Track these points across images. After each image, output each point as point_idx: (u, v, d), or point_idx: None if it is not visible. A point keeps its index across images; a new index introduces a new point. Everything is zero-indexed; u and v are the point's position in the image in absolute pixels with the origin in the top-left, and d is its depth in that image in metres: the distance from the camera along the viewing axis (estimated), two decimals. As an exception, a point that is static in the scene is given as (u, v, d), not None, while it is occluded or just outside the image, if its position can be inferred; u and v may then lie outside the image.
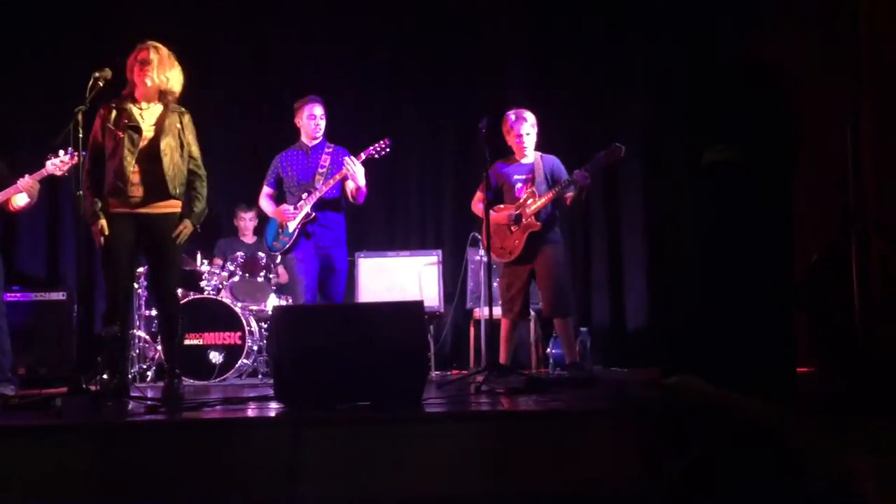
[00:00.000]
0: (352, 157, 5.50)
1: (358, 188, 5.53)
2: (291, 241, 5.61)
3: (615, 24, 7.57)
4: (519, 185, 5.74)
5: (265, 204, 5.82)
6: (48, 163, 5.07)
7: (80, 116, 4.38)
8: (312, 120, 5.66)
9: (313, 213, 5.57)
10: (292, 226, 5.58)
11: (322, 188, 5.54)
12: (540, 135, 5.83)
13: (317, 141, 5.72)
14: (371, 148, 5.57)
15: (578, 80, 7.73)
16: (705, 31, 6.88)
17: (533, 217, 5.58)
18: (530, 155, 5.78)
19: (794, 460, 2.95)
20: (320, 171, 5.61)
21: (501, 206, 5.75)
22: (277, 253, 5.97)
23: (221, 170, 7.73)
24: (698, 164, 4.18)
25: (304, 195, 5.57)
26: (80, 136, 4.40)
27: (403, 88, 7.91)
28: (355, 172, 5.46)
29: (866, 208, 5.14)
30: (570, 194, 5.59)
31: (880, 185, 5.26)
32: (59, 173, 5.04)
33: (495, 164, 5.78)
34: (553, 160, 5.82)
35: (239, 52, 7.71)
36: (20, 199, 5.20)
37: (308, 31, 7.71)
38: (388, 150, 5.61)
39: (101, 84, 4.49)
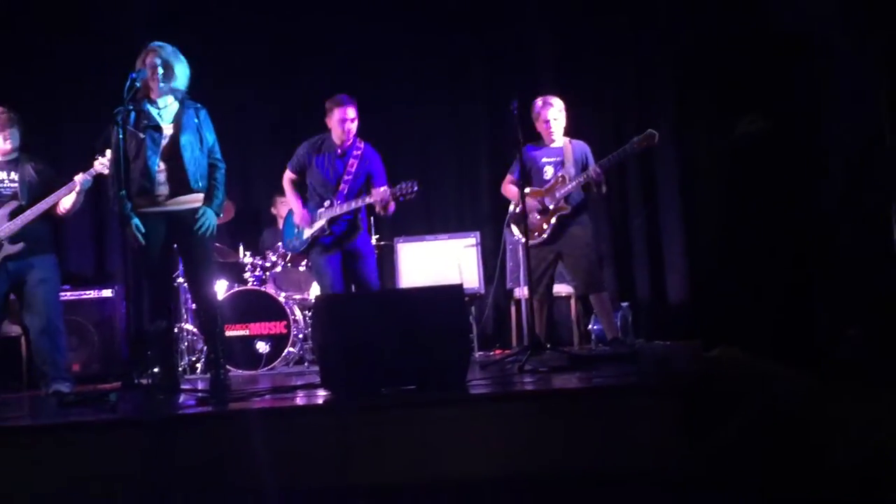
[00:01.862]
0: (383, 192, 5.38)
1: (387, 208, 5.45)
2: (305, 248, 5.61)
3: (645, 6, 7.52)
4: (548, 168, 5.73)
5: (287, 189, 5.75)
6: (96, 163, 5.13)
7: (119, 118, 4.45)
8: (343, 124, 5.49)
9: (328, 229, 5.49)
10: (306, 233, 5.56)
11: (343, 206, 5.44)
12: (570, 119, 5.81)
13: (348, 142, 5.60)
14: (399, 188, 5.40)
15: (610, 63, 7.69)
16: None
17: (563, 201, 5.57)
18: (559, 139, 5.76)
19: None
20: (346, 178, 5.50)
21: (530, 189, 5.73)
22: (290, 252, 5.92)
23: (258, 161, 7.84)
24: (730, 136, 4.14)
25: (326, 203, 5.50)
26: (121, 136, 4.47)
27: (436, 75, 7.90)
28: (388, 205, 5.39)
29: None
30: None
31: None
32: (106, 172, 5.11)
33: (525, 147, 5.76)
34: (583, 146, 5.79)
35: (273, 41, 7.74)
36: (67, 202, 5.27)
37: (341, 20, 7.70)
38: (414, 192, 5.42)
39: (139, 84, 4.55)
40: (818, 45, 4.45)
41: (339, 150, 5.57)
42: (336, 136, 5.56)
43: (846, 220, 5.25)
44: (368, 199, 5.42)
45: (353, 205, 5.44)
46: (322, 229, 5.49)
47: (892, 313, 4.86)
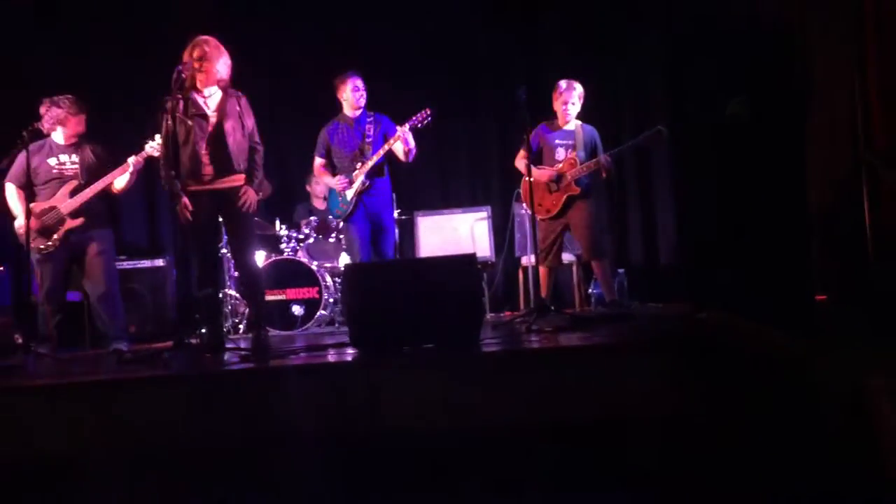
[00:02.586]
0: (400, 126, 5.48)
1: (409, 150, 5.53)
2: (350, 208, 5.63)
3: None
4: (559, 149, 5.70)
5: (322, 174, 5.81)
6: (147, 146, 5.15)
7: (168, 105, 4.46)
8: (356, 92, 5.62)
9: (367, 181, 5.56)
10: (350, 194, 5.59)
11: (373, 157, 5.52)
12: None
13: (359, 112, 5.68)
14: (415, 118, 5.52)
15: (610, 53, 7.66)
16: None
17: (573, 182, 5.56)
18: (572, 123, 5.72)
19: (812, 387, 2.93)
20: (367, 140, 5.58)
21: (541, 166, 5.71)
22: (340, 220, 5.97)
23: (292, 142, 7.83)
24: (721, 115, 4.11)
25: (358, 165, 5.56)
26: (169, 122, 4.48)
27: (450, 66, 7.85)
28: (407, 136, 5.46)
29: (875, 146, 5.01)
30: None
31: (888, 123, 5.12)
32: (156, 154, 5.13)
33: (539, 126, 5.75)
34: (592, 131, 5.76)
35: (306, 30, 7.70)
36: (121, 181, 5.29)
37: (365, 14, 7.66)
38: (429, 119, 5.53)
39: (185, 75, 4.55)
40: (802, 40, 4.41)
41: (353, 120, 5.66)
42: (349, 106, 5.67)
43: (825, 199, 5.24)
44: (392, 142, 5.48)
45: (380, 153, 5.50)
46: (363, 182, 5.55)
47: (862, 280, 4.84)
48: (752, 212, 3.93)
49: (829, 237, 5.28)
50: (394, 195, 5.86)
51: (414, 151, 5.59)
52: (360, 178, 5.54)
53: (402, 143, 5.48)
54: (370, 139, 5.58)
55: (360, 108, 5.67)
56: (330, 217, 6.68)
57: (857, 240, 4.92)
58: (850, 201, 5.03)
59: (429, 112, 5.48)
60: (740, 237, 4.02)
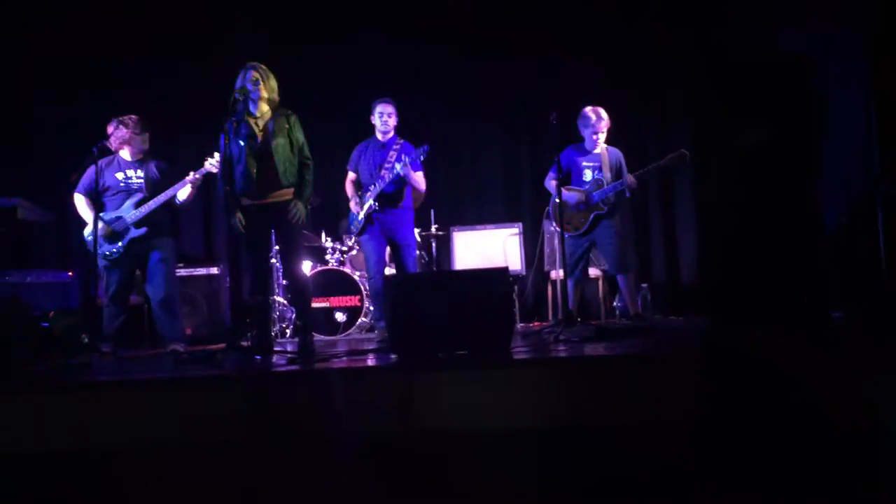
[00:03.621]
0: (403, 161, 5.36)
1: (414, 182, 5.49)
2: (361, 227, 5.57)
3: (672, 26, 7.45)
4: (587, 171, 5.68)
5: (348, 188, 5.75)
6: (206, 162, 5.21)
7: (225, 126, 4.53)
8: (382, 117, 5.58)
9: (376, 205, 5.48)
10: (361, 215, 5.55)
11: (380, 185, 5.44)
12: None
13: (389, 136, 5.63)
14: (414, 153, 5.36)
15: (635, 83, 7.65)
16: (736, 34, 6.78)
17: (601, 202, 5.54)
18: (600, 147, 5.70)
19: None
20: (386, 165, 5.51)
21: (569, 186, 5.70)
22: (353, 235, 5.91)
23: (337, 159, 7.86)
24: (740, 142, 4.07)
25: (371, 187, 5.51)
26: (227, 142, 4.55)
27: (487, 94, 7.89)
28: (406, 172, 5.38)
29: (889, 173, 4.93)
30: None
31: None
32: (214, 170, 5.19)
33: (567, 149, 5.73)
34: (617, 153, 5.74)
35: (360, 51, 7.75)
36: (183, 194, 5.36)
37: (404, 40, 7.71)
38: (426, 153, 5.34)
39: (241, 99, 4.62)
40: (817, 68, 4.35)
41: (380, 145, 5.62)
42: (378, 130, 5.63)
43: (839, 219, 5.16)
44: (397, 169, 5.39)
45: (388, 178, 5.41)
46: (371, 206, 5.50)
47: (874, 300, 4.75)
48: (768, 231, 3.88)
49: (844, 256, 5.20)
50: (413, 214, 5.74)
51: (419, 183, 5.54)
52: (368, 202, 5.50)
53: (405, 177, 5.43)
54: (389, 165, 5.51)
55: (387, 132, 5.62)
56: (348, 231, 6.66)
57: (871, 259, 4.84)
58: (865, 225, 4.95)
59: (426, 149, 5.32)
60: (758, 254, 3.97)
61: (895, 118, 5.01)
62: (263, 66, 4.76)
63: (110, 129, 5.40)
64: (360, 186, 5.69)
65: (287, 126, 4.77)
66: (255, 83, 4.68)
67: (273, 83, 4.77)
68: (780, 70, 4.12)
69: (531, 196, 7.76)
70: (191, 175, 5.30)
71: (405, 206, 5.60)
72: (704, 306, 5.94)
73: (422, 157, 5.37)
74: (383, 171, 5.50)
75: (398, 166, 5.37)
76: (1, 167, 7.22)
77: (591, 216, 5.57)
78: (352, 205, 5.64)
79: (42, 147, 7.56)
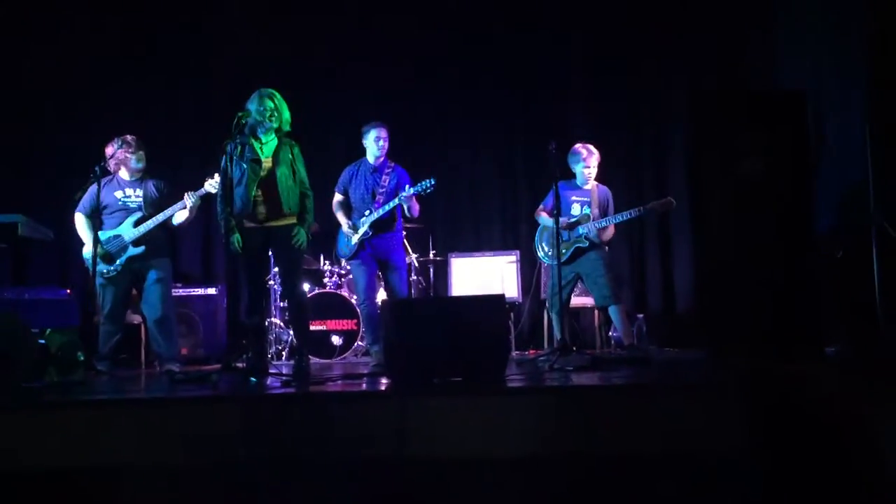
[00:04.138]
0: (408, 193, 5.33)
1: (411, 208, 5.41)
2: (353, 252, 5.50)
3: (668, 58, 7.55)
4: (575, 205, 5.71)
5: (336, 210, 5.66)
6: (206, 183, 5.22)
7: (227, 148, 4.56)
8: (377, 141, 5.50)
9: (370, 232, 5.43)
10: (354, 240, 5.47)
11: (378, 210, 5.39)
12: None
13: (380, 160, 5.56)
14: (420, 185, 5.35)
15: (632, 114, 7.73)
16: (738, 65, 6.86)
17: (583, 236, 5.57)
18: (591, 183, 5.74)
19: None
20: (380, 190, 5.47)
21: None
22: (344, 259, 5.86)
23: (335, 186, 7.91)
24: (736, 171, 4.12)
25: (366, 212, 5.45)
26: (229, 163, 4.58)
27: (486, 124, 7.95)
28: (410, 201, 5.36)
29: (884, 207, 4.96)
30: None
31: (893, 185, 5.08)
32: (213, 191, 5.19)
33: (559, 183, 5.76)
34: (606, 191, 5.79)
35: (346, 92, 7.81)
36: (181, 215, 5.38)
37: (403, 76, 7.78)
38: (432, 188, 5.35)
39: (243, 122, 4.65)
40: (812, 99, 4.42)
41: (372, 168, 5.56)
42: (370, 154, 5.57)
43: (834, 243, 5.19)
44: (397, 200, 5.37)
45: (387, 207, 5.38)
46: (365, 233, 5.45)
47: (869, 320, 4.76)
48: (764, 263, 3.91)
49: (839, 290, 5.22)
50: (403, 235, 5.73)
51: (416, 210, 5.48)
52: (364, 228, 5.45)
53: (409, 209, 5.41)
54: (383, 189, 5.47)
55: (380, 156, 5.56)
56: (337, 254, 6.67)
57: (866, 294, 4.86)
58: (859, 257, 4.98)
59: (433, 183, 5.35)
60: (754, 285, 4.00)
61: (890, 148, 5.05)
62: (279, 96, 4.80)
63: (108, 149, 5.45)
64: (348, 208, 5.65)
65: (291, 157, 4.83)
66: (272, 114, 4.73)
67: (287, 115, 4.82)
68: (777, 103, 4.17)
69: (528, 224, 7.74)
70: (185, 197, 5.31)
71: (397, 229, 5.58)
72: (701, 337, 5.98)
73: (428, 192, 5.37)
74: (378, 197, 5.47)
75: (401, 196, 5.33)
76: (2, 185, 7.25)
77: (573, 248, 5.60)
78: (344, 228, 5.59)
79: (43, 165, 7.59)
